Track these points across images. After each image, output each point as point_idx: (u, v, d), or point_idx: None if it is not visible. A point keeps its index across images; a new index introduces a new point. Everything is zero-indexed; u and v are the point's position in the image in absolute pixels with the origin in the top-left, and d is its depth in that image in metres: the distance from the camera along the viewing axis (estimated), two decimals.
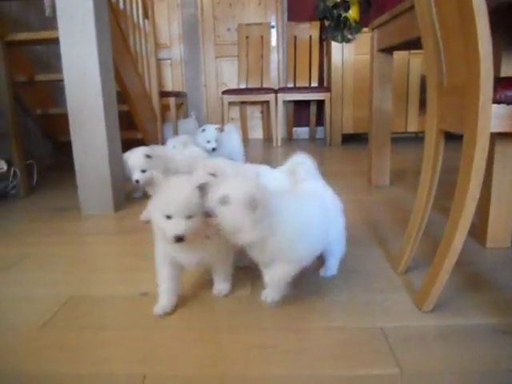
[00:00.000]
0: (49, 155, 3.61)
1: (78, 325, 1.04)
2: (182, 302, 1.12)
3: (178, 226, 0.94)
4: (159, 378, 0.84)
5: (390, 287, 1.18)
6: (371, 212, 1.90)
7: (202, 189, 0.96)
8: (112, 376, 0.85)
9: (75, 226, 1.88)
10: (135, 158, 2.00)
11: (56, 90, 3.74)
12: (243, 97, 4.26)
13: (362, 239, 1.56)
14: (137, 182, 2.00)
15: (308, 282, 1.22)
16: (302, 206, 1.06)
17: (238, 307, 1.11)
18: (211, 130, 2.72)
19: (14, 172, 2.49)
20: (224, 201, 0.92)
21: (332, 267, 1.25)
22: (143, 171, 1.99)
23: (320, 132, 4.66)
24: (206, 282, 1.22)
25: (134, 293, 1.21)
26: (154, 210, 0.97)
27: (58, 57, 3.71)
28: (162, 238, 1.02)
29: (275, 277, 1.03)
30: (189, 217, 0.95)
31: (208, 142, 2.72)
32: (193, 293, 1.19)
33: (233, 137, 2.88)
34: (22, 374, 0.87)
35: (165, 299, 1.07)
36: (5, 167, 2.44)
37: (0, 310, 1.15)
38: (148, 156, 1.98)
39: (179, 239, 0.94)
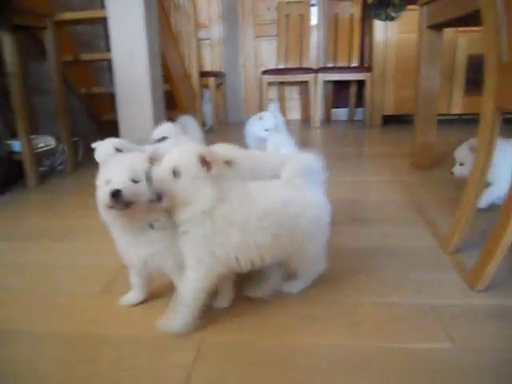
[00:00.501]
0: (92, 134, 3.71)
1: None
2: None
3: (117, 181, 0.85)
4: (217, 343, 0.88)
5: (439, 266, 1.17)
6: (415, 193, 1.87)
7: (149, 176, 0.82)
8: (169, 339, 0.89)
9: None
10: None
11: (98, 70, 3.82)
12: (282, 77, 4.23)
13: (407, 219, 1.55)
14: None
15: (351, 260, 1.23)
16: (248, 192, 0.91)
17: None
18: (269, 117, 2.59)
19: (62, 148, 2.57)
20: (175, 172, 0.84)
21: (298, 285, 1.06)
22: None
23: (359, 113, 4.58)
24: None
25: None
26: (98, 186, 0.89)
27: (100, 36, 3.78)
28: (113, 229, 0.95)
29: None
30: (133, 180, 0.86)
31: (266, 130, 2.56)
32: None
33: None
34: (87, 335, 0.92)
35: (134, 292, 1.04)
36: (53, 144, 2.53)
37: (60, 277, 1.22)
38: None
39: (116, 194, 0.83)
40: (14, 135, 2.48)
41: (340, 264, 1.18)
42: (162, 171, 0.84)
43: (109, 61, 3.74)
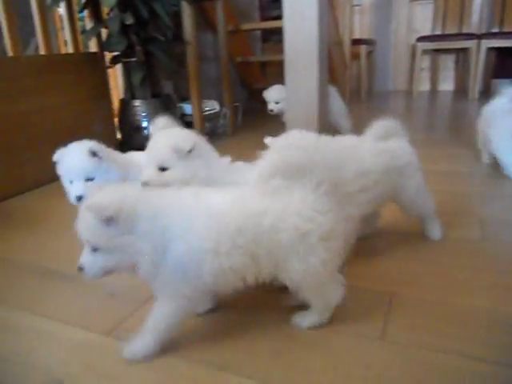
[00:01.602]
0: (244, 100, 3.89)
1: None
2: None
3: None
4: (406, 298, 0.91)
5: None
6: None
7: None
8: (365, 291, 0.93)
9: None
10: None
11: (252, 40, 3.96)
12: (439, 44, 3.94)
13: None
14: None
15: None
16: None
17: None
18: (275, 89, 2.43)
19: (224, 112, 2.76)
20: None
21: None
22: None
23: None
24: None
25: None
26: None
27: (255, 7, 3.88)
28: None
29: None
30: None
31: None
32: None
33: (334, 100, 2.40)
34: None
35: None
36: (217, 107, 2.72)
37: None
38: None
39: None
40: (181, 99, 2.72)
41: None
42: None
43: (262, 30, 3.89)
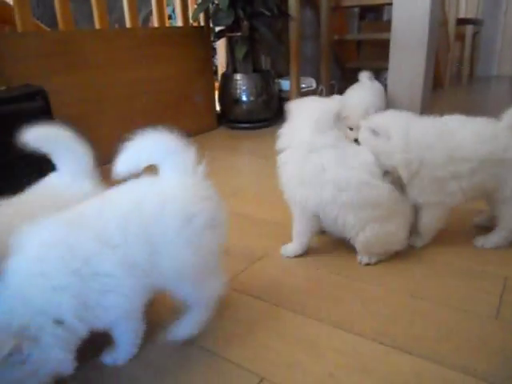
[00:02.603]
0: (338, 79, 3.85)
1: None
2: None
3: None
4: None
5: None
6: None
7: None
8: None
9: None
10: None
11: (349, 17, 3.87)
12: None
13: None
14: None
15: None
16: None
17: None
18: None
19: (321, 90, 2.76)
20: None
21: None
22: None
23: None
24: None
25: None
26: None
27: None
28: None
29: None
30: None
31: None
32: None
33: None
34: None
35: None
36: (314, 85, 2.74)
37: None
38: None
39: None
40: (279, 75, 2.76)
41: None
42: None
43: (362, 7, 3.79)
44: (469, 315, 0.83)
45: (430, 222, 1.05)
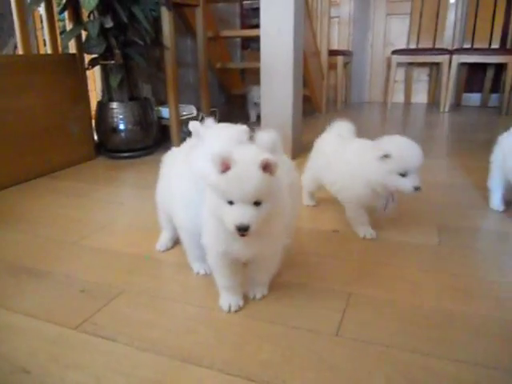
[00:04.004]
0: (222, 105, 3.94)
1: None
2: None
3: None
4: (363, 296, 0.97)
5: None
6: None
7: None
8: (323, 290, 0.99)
9: None
10: None
11: (232, 47, 4.02)
12: (413, 57, 4.07)
13: None
14: None
15: None
16: None
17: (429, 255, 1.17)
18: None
19: (202, 117, 2.79)
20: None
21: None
22: None
23: (494, 100, 4.26)
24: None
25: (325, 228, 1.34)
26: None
27: (236, 14, 3.93)
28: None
29: None
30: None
31: None
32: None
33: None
34: None
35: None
36: (195, 112, 2.76)
37: None
38: None
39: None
40: (160, 103, 2.75)
41: None
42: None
43: (242, 38, 3.95)
44: (312, 334, 0.87)
45: None
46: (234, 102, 4.02)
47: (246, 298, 1.00)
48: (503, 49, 3.94)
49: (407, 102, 4.63)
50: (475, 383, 0.73)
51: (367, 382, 0.75)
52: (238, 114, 3.84)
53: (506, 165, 1.41)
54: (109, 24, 2.09)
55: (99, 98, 2.60)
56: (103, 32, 2.16)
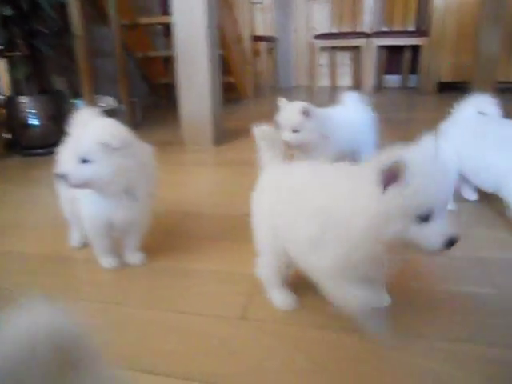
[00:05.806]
0: (145, 96, 3.83)
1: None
2: None
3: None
4: None
5: None
6: None
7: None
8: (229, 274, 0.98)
9: (179, 157, 2.09)
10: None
11: (154, 35, 3.90)
12: (335, 42, 4.17)
13: None
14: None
15: None
16: None
17: None
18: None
19: (121, 109, 2.70)
20: None
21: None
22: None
23: (413, 80, 4.46)
24: None
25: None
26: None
27: (156, 0, 3.81)
28: None
29: None
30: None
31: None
32: None
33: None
34: None
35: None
36: (113, 104, 2.66)
37: None
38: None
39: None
40: (76, 95, 2.62)
41: None
42: None
43: (164, 25, 3.85)
44: (218, 320, 0.86)
45: None
46: (159, 92, 3.93)
47: (161, 294, 0.98)
48: (418, 31, 4.12)
49: (333, 86, 4.74)
50: None
51: (268, 362, 0.75)
52: (163, 104, 3.76)
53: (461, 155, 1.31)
54: (8, 12, 1.95)
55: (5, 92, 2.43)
56: (4, 21, 2.01)
